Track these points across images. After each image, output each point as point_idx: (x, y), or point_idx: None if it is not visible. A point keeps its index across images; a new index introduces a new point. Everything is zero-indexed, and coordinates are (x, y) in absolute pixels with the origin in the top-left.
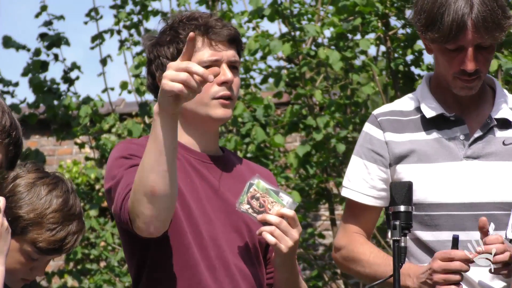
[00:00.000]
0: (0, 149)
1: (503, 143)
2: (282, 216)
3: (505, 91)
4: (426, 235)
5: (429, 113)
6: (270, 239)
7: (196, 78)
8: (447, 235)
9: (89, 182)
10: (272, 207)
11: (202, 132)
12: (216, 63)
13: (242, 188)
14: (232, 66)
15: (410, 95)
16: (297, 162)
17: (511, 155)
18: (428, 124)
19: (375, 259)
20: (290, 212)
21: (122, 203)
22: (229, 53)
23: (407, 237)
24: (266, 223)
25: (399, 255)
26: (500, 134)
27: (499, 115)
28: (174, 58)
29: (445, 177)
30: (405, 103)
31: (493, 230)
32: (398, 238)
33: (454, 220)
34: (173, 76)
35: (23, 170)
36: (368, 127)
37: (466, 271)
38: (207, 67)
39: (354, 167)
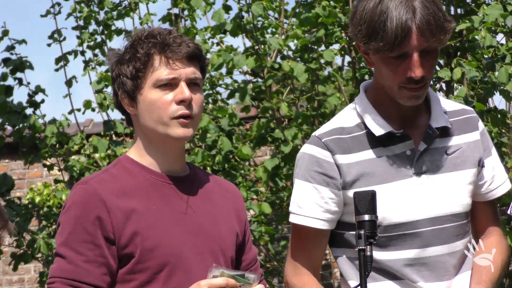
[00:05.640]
0: None
1: (446, 153)
2: None
3: (436, 94)
4: (381, 255)
5: (378, 131)
6: None
7: None
8: (404, 253)
9: (60, 204)
10: None
11: (165, 152)
12: (174, 81)
13: (210, 207)
14: (193, 83)
15: (348, 109)
16: (266, 176)
17: (455, 165)
18: (374, 142)
19: None
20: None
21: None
22: (188, 71)
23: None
24: None
25: (365, 264)
26: (441, 143)
27: (438, 123)
28: (133, 77)
29: (398, 196)
30: (345, 118)
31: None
32: (363, 248)
33: (411, 237)
34: None
35: None
36: (311, 149)
37: None
38: (165, 85)
39: (303, 192)
